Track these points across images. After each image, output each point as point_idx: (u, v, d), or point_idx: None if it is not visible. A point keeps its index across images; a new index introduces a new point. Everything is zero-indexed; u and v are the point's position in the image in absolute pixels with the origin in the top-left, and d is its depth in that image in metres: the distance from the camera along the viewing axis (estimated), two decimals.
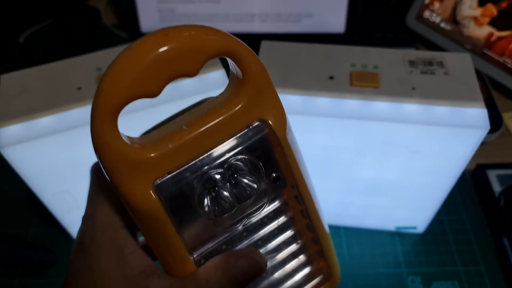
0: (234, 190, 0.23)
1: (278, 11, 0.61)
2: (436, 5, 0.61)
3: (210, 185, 0.22)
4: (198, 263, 0.24)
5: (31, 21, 0.68)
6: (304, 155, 0.37)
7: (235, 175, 0.23)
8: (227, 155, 0.22)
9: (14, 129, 0.32)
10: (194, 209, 0.23)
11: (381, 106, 0.32)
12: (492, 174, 0.47)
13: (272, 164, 0.24)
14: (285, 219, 0.26)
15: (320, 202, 0.30)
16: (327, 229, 0.28)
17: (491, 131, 0.51)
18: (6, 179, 0.50)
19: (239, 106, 0.22)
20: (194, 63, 0.19)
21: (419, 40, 0.65)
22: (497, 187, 0.46)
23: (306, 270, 0.28)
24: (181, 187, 0.22)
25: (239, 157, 0.23)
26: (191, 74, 0.20)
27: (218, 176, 0.22)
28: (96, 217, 0.23)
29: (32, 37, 0.67)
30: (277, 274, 0.27)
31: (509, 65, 0.55)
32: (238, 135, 0.22)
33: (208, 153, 0.22)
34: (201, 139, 0.21)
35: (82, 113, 0.32)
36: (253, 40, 0.59)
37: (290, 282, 0.28)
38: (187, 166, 0.21)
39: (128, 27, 0.68)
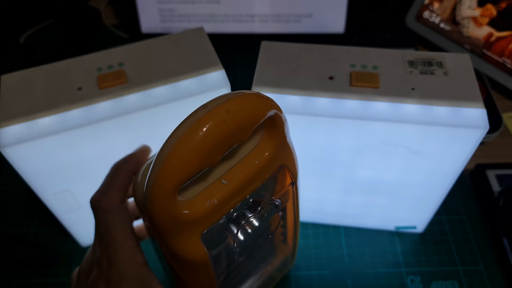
0: (257, 222, 0.27)
1: (278, 11, 0.61)
2: (436, 5, 0.61)
3: (239, 221, 0.25)
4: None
5: (31, 22, 0.68)
6: (304, 155, 0.38)
7: (259, 209, 0.26)
8: (257, 198, 0.25)
9: (15, 129, 0.32)
10: (228, 245, 0.26)
11: (380, 106, 0.32)
12: (491, 174, 0.47)
13: (282, 196, 0.28)
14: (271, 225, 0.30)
15: (320, 201, 0.32)
16: (299, 225, 0.33)
17: (490, 131, 0.51)
18: (6, 179, 0.50)
19: (269, 156, 0.24)
20: (248, 132, 0.21)
21: (418, 41, 0.65)
22: (496, 187, 0.46)
23: (277, 255, 0.35)
24: (219, 231, 0.24)
25: (266, 199, 0.26)
26: (244, 141, 0.21)
27: (247, 213, 0.25)
28: (121, 258, 0.24)
29: (32, 37, 0.67)
30: (256, 261, 0.32)
31: (508, 65, 0.56)
32: (266, 180, 0.25)
33: (244, 200, 0.24)
34: (240, 190, 0.23)
35: (83, 113, 0.33)
36: (253, 40, 0.59)
37: (265, 264, 0.34)
38: (227, 214, 0.24)
39: (128, 27, 0.68)
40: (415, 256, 0.43)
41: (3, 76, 0.35)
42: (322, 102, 0.33)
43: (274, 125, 0.23)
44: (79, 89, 0.34)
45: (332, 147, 0.35)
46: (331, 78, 0.34)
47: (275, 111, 0.22)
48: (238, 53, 0.63)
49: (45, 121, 0.32)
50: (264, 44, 0.37)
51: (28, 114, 0.32)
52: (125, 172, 0.27)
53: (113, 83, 0.34)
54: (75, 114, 0.32)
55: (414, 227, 0.44)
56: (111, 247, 0.24)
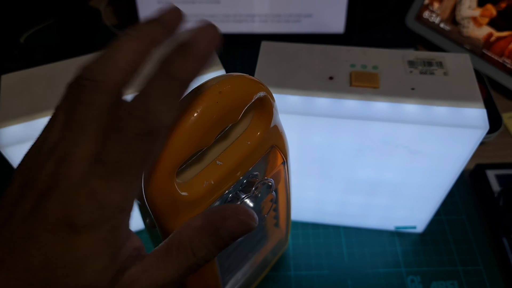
0: (252, 202, 0.27)
1: (278, 11, 0.61)
2: (436, 5, 0.61)
3: (235, 202, 0.26)
4: None
5: (32, 21, 0.68)
6: (304, 155, 0.38)
7: (253, 189, 0.26)
8: (250, 178, 0.26)
9: (15, 129, 0.32)
10: None
11: (380, 106, 0.32)
12: (491, 174, 0.47)
13: (274, 176, 0.28)
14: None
15: (320, 201, 0.32)
16: (290, 207, 0.34)
17: (490, 131, 0.51)
18: (6, 179, 0.50)
19: (260, 137, 0.24)
20: (239, 112, 0.22)
21: (418, 41, 0.65)
22: (496, 187, 0.46)
23: (271, 239, 0.36)
24: None
25: (259, 179, 0.26)
26: (236, 121, 0.22)
27: (241, 194, 0.26)
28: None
29: (32, 37, 0.67)
30: (251, 244, 0.33)
31: (508, 65, 0.56)
32: (259, 160, 0.25)
33: (239, 180, 0.25)
34: (234, 170, 0.24)
35: None
36: (253, 40, 0.59)
37: (260, 247, 0.35)
38: (222, 196, 0.24)
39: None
40: (415, 256, 0.43)
41: (3, 76, 0.35)
42: (322, 102, 0.33)
43: (264, 106, 0.24)
44: None
45: (332, 147, 0.35)
46: (331, 78, 0.34)
47: (264, 92, 0.23)
48: (238, 53, 0.63)
49: (45, 121, 0.32)
50: (264, 44, 0.37)
51: (28, 114, 0.32)
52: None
53: None
54: None
55: (414, 227, 0.44)
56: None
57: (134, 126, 0.16)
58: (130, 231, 0.20)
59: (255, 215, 0.20)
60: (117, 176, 0.17)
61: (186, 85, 0.17)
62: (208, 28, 0.18)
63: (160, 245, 0.20)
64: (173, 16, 0.19)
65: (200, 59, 0.17)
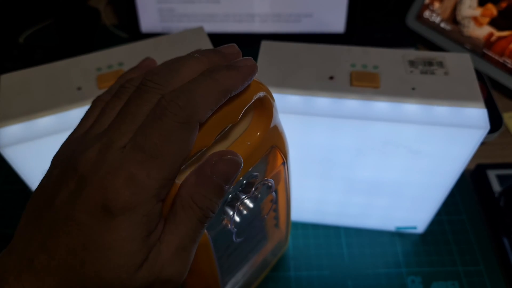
0: (252, 203, 0.27)
1: (278, 11, 0.61)
2: (436, 5, 0.61)
3: (234, 203, 0.26)
4: None
5: (31, 21, 0.68)
6: (304, 155, 0.38)
7: (253, 189, 0.26)
8: (250, 179, 0.26)
9: (14, 129, 0.32)
10: (225, 227, 0.26)
11: (381, 106, 0.32)
12: (492, 174, 0.47)
13: (274, 176, 0.28)
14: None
15: (320, 201, 0.32)
16: (290, 208, 0.34)
17: (491, 131, 0.51)
18: (6, 179, 0.50)
19: (260, 137, 0.25)
20: (239, 113, 0.22)
21: (419, 40, 0.65)
22: (497, 187, 0.46)
23: (271, 239, 0.36)
24: (217, 215, 0.25)
25: (259, 180, 0.26)
26: (235, 121, 0.22)
27: (241, 195, 0.26)
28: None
29: (32, 37, 0.67)
30: (251, 244, 0.33)
31: (509, 65, 0.55)
32: (259, 161, 0.25)
33: (238, 180, 0.25)
34: None
35: (82, 113, 0.32)
36: (253, 40, 0.59)
37: (260, 248, 0.35)
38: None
39: (128, 27, 0.68)
40: (415, 256, 0.43)
41: (2, 76, 0.35)
42: (322, 102, 0.33)
43: (264, 106, 0.24)
44: (79, 89, 0.34)
45: (332, 147, 0.35)
46: (331, 78, 0.34)
47: (264, 92, 0.23)
48: None
49: (45, 121, 0.32)
50: (264, 44, 0.37)
51: (27, 114, 0.32)
52: None
53: (113, 83, 0.33)
54: (75, 114, 0.32)
55: (415, 228, 0.44)
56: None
57: (175, 114, 0.18)
58: (161, 216, 0.20)
59: (237, 153, 0.22)
60: (154, 162, 0.18)
61: (226, 94, 0.20)
62: (250, 59, 0.22)
63: (167, 214, 0.21)
64: (234, 51, 0.22)
65: (242, 77, 0.20)
